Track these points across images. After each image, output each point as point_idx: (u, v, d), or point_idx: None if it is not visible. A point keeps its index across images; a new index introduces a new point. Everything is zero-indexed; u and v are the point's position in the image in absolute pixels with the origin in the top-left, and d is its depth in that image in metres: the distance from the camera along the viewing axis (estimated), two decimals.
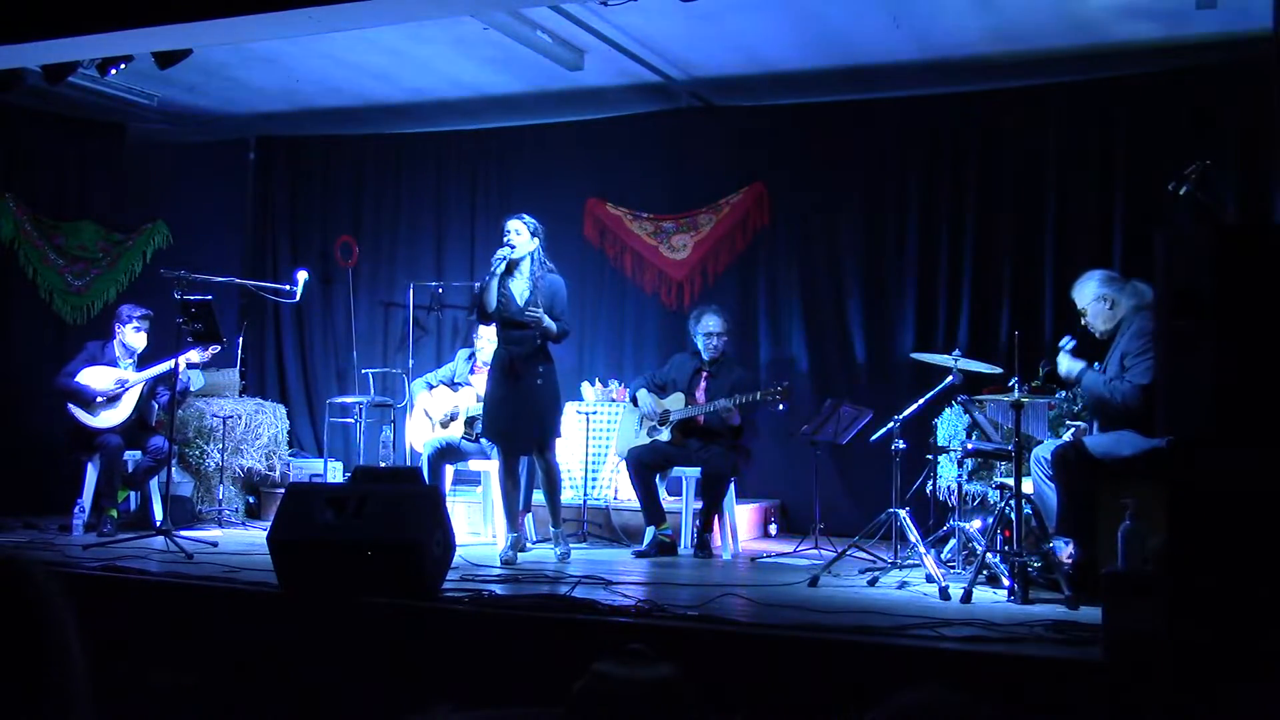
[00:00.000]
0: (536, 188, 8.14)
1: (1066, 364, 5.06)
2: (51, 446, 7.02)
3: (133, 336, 6.78)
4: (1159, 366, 3.69)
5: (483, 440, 6.63)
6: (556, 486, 5.83)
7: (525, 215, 5.80)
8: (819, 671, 3.55)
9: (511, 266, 5.72)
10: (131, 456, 6.66)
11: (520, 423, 5.69)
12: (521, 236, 5.69)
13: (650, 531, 6.09)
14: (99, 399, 6.57)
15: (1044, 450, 4.99)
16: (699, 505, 6.18)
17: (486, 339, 6.72)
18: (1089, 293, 5.08)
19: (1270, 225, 4.45)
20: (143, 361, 6.81)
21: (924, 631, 3.76)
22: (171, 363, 6.19)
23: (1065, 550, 4.65)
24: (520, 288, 5.70)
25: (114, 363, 6.75)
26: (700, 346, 6.46)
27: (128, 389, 6.64)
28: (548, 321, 5.62)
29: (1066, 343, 5.09)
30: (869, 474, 6.83)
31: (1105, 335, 5.07)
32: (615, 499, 7.05)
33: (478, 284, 5.76)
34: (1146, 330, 4.77)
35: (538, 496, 6.17)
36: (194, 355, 6.43)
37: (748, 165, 7.74)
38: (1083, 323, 5.14)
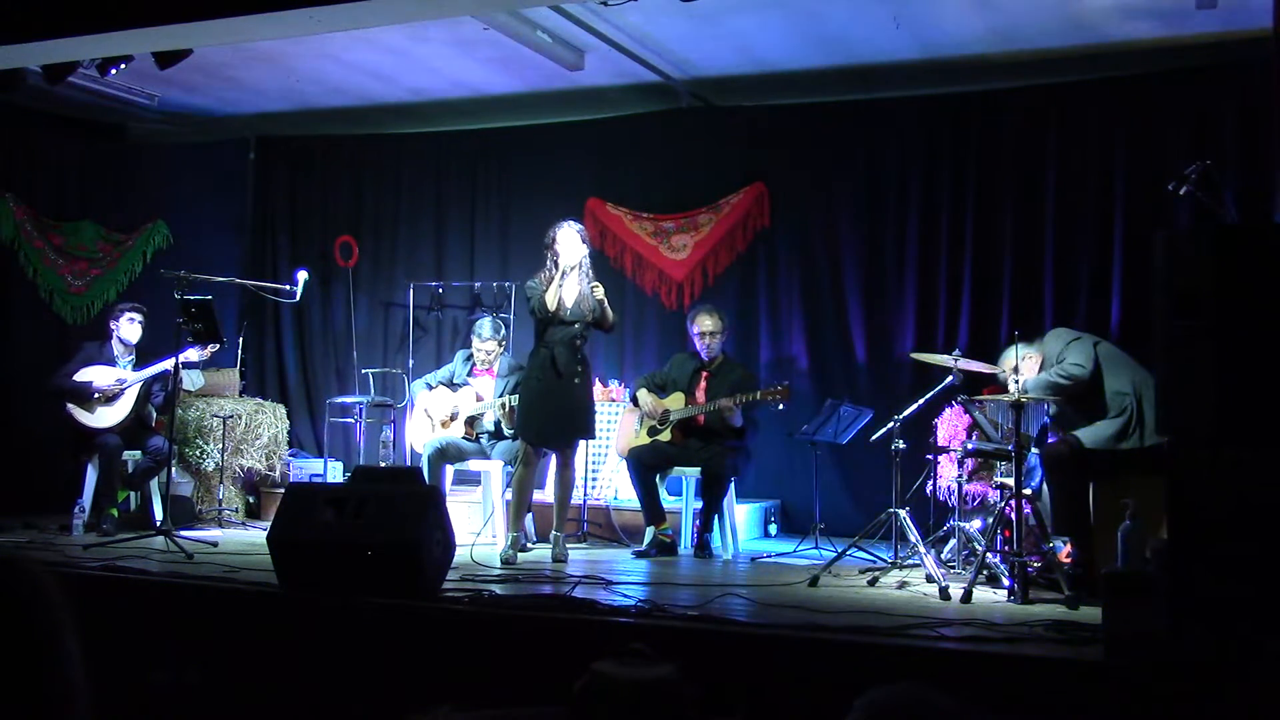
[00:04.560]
0: (536, 188, 8.14)
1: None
2: (51, 446, 7.02)
3: (128, 329, 6.78)
4: (1159, 366, 3.68)
5: (483, 439, 6.65)
6: (570, 489, 5.95)
7: (574, 221, 5.94)
8: (819, 671, 3.55)
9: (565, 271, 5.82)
10: (131, 457, 6.66)
11: (560, 419, 5.79)
12: (573, 244, 5.80)
13: (650, 531, 6.09)
14: (97, 395, 6.57)
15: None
16: (699, 505, 6.18)
17: (484, 348, 6.73)
18: (1010, 362, 5.26)
19: (1270, 225, 4.44)
20: (140, 358, 6.81)
21: (924, 631, 3.76)
22: (169, 362, 6.19)
23: (1065, 550, 4.65)
24: (571, 290, 5.79)
25: (112, 362, 6.75)
26: (697, 347, 6.46)
27: (126, 388, 6.64)
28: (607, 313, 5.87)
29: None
30: (869, 474, 6.83)
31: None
32: (615, 499, 7.05)
33: (529, 284, 5.91)
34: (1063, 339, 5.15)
35: (540, 496, 6.17)
36: (192, 354, 6.43)
37: (748, 165, 7.73)
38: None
